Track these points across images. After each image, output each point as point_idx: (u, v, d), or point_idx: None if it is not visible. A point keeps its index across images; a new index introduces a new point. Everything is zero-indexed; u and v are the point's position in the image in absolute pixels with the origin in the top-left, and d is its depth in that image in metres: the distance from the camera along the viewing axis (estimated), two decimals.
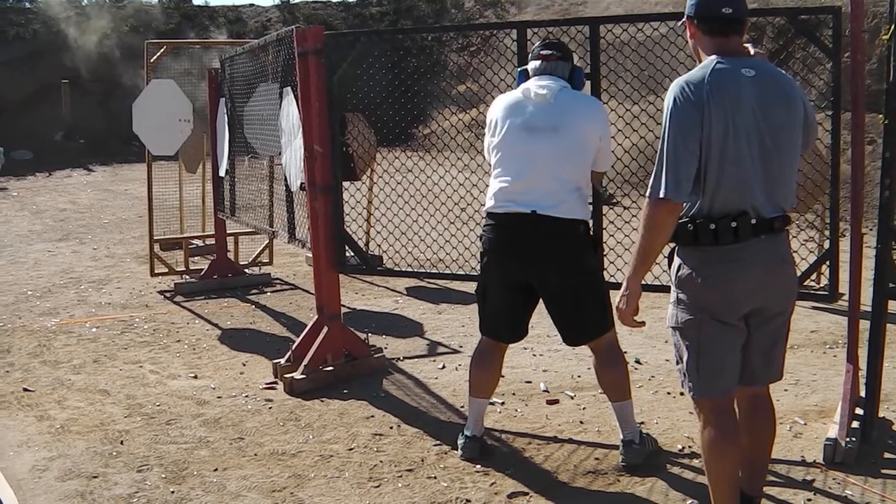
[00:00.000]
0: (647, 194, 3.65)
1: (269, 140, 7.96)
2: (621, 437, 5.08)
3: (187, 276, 10.41)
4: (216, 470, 5.17)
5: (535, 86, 4.98)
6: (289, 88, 7.09)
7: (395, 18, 31.15)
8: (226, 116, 9.42)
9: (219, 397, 6.42)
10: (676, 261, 3.83)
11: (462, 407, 5.99)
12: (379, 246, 9.53)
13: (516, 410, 5.97)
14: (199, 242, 11.97)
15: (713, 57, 3.70)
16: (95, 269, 11.60)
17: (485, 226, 5.08)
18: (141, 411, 6.19)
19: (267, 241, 10.74)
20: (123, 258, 12.11)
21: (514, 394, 6.27)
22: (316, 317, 6.79)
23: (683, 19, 3.88)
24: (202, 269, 10.46)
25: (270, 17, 32.61)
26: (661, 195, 3.59)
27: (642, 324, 3.92)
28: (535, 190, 4.88)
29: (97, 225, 15.81)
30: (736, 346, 3.81)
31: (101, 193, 20.65)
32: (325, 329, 6.64)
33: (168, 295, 9.94)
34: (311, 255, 9.21)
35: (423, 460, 5.20)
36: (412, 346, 7.59)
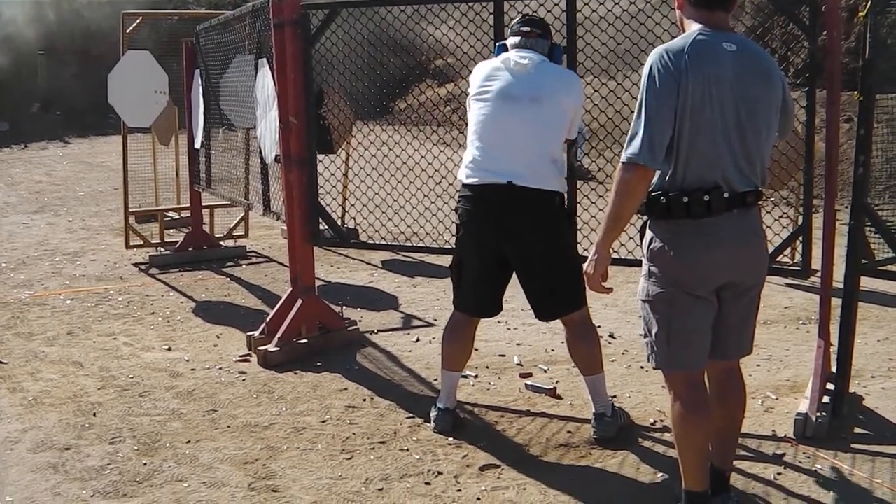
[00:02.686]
0: (621, 159, 3.64)
1: (244, 112, 7.92)
2: (593, 410, 5.10)
3: (162, 249, 10.39)
4: (189, 442, 5.16)
5: (515, 56, 4.97)
6: (264, 60, 7.06)
7: None
8: (200, 88, 9.37)
9: (192, 370, 6.40)
10: (648, 234, 3.83)
11: (435, 380, 5.99)
12: (353, 219, 9.50)
13: (489, 384, 5.98)
14: (174, 215, 11.91)
15: (696, 28, 3.70)
16: (70, 242, 11.55)
17: (460, 197, 5.05)
18: (114, 383, 6.18)
19: (242, 214, 10.71)
20: (99, 230, 12.06)
21: (487, 367, 6.28)
22: (290, 289, 6.78)
23: None
24: (177, 242, 10.44)
25: None
26: (635, 160, 3.58)
27: (610, 290, 3.92)
28: (512, 160, 4.86)
29: (73, 197, 15.73)
30: (707, 320, 3.81)
31: (77, 165, 20.54)
32: (299, 302, 6.63)
33: (143, 267, 9.91)
34: (286, 228, 9.19)
35: (395, 433, 5.21)
36: (386, 319, 7.59)
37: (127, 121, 10.38)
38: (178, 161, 11.47)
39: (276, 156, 6.80)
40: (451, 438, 5.10)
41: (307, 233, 6.70)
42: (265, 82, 6.99)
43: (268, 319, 6.78)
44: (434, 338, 6.88)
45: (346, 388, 5.95)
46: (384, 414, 5.51)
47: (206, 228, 10.56)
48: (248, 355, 6.63)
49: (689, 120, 3.58)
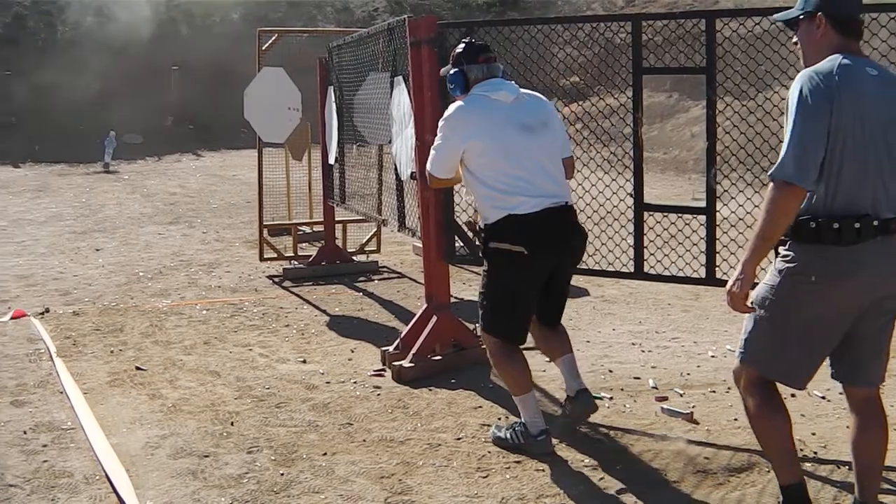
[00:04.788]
0: (771, 178, 3.61)
1: (378, 128, 8.00)
2: (577, 388, 5.34)
3: (295, 262, 10.56)
4: (325, 454, 5.20)
5: (495, 92, 5.16)
6: (400, 78, 7.11)
7: (502, 9, 31.12)
8: (334, 104, 9.50)
9: (327, 382, 6.48)
10: (788, 252, 3.80)
11: None
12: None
13: (625, 406, 5.92)
14: (306, 229, 12.13)
15: (836, 54, 3.69)
16: (205, 253, 11.82)
17: (513, 229, 5.01)
18: (251, 393, 6.28)
19: (375, 230, 10.82)
20: (232, 242, 12.31)
21: (622, 389, 6.22)
22: (425, 306, 6.81)
23: (799, 14, 3.87)
24: (310, 256, 10.60)
25: (378, 7, 32.85)
26: (787, 179, 3.56)
27: (753, 309, 3.88)
28: (553, 183, 5.09)
29: (206, 209, 16.10)
30: (822, 344, 3.85)
31: (209, 178, 21.03)
32: (434, 318, 6.66)
33: (276, 280, 10.09)
34: (419, 245, 9.22)
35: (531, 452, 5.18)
36: None
37: (262, 136, 10.56)
38: (310, 176, 11.66)
39: (412, 173, 6.84)
40: (586, 460, 5.04)
41: (442, 250, 6.73)
42: (401, 100, 7.05)
43: (402, 335, 6.82)
44: None
45: (480, 406, 5.95)
46: None
47: (339, 243, 10.71)
48: (383, 370, 6.69)
49: (840, 141, 3.58)
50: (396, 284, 9.82)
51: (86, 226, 14.59)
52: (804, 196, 3.63)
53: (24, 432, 5.61)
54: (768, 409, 3.96)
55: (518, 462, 5.04)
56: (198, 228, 13.95)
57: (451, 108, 5.24)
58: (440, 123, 5.29)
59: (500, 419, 5.71)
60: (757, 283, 3.91)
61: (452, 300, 7.67)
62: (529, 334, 5.33)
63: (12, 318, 8.48)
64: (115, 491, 4.72)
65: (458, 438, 5.42)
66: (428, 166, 5.38)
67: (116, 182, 21.08)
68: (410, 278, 10.00)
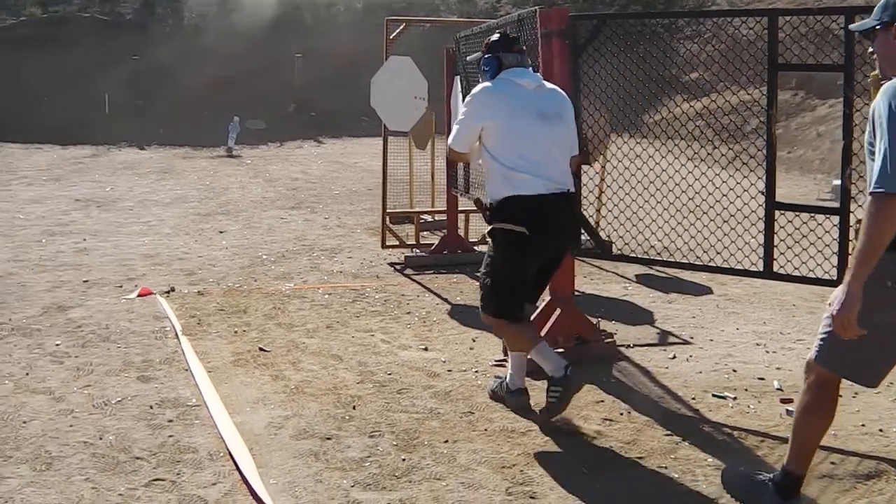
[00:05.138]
0: (872, 190, 3.59)
1: None
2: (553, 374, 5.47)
3: (417, 250, 10.62)
4: (446, 442, 5.23)
5: (520, 78, 5.54)
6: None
7: (625, 2, 30.84)
8: (460, 94, 9.51)
9: (449, 370, 6.51)
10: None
11: (693, 399, 5.92)
12: (604, 231, 9.46)
13: (749, 407, 5.83)
14: (428, 217, 12.19)
15: None
16: (327, 238, 11.97)
17: (517, 209, 5.36)
18: (373, 378, 6.34)
19: None
20: (354, 229, 12.43)
21: (746, 390, 6.12)
22: (548, 298, 6.80)
23: (875, 24, 3.88)
24: (432, 244, 10.66)
25: None
26: (886, 189, 3.53)
27: (864, 333, 3.77)
28: (558, 170, 5.48)
29: (328, 195, 16.28)
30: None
31: (331, 165, 21.25)
32: (557, 311, 6.63)
33: (398, 267, 10.18)
34: None
35: (653, 449, 5.13)
36: (641, 334, 7.49)
37: (388, 125, 10.63)
38: (433, 165, 11.71)
39: None
40: (710, 459, 4.98)
41: None
42: None
43: None
44: (691, 356, 6.80)
45: (602, 401, 5.92)
46: (641, 429, 5.44)
47: (461, 233, 10.75)
48: (504, 360, 6.65)
49: None
50: None
51: (209, 208, 14.88)
52: None
53: (151, 407, 5.77)
54: (819, 409, 4.18)
55: (640, 458, 5.01)
56: (320, 214, 14.12)
57: (478, 87, 5.62)
58: (466, 100, 5.74)
59: (621, 414, 5.68)
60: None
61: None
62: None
63: (139, 296, 8.70)
64: (238, 468, 4.82)
65: (580, 432, 5.41)
66: (449, 140, 5.72)
67: (239, 166, 21.44)
68: None
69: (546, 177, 5.37)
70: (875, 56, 3.94)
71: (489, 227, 5.59)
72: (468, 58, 6.03)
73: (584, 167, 7.24)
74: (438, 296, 8.85)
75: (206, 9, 31.35)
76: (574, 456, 5.06)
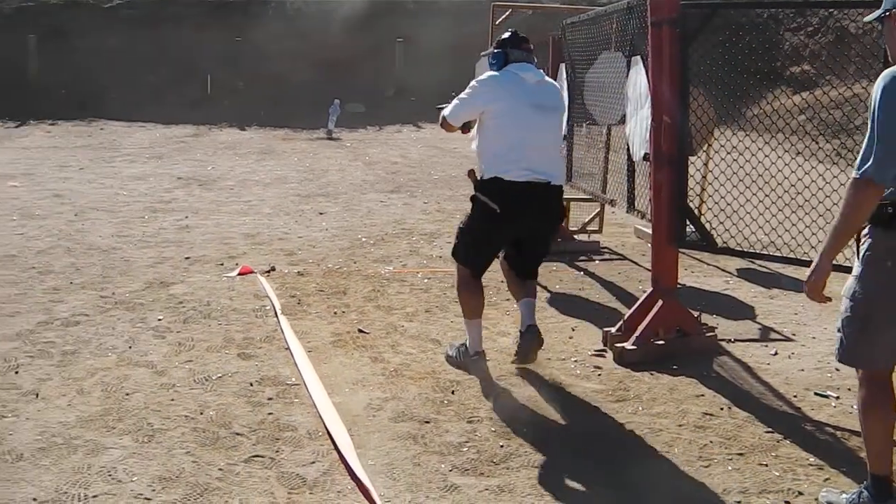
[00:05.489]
0: (853, 175, 3.78)
1: (608, 108, 7.93)
2: (528, 323, 6.17)
3: None
4: (545, 430, 5.22)
5: (524, 72, 6.09)
6: (638, 57, 7.03)
7: None
8: (565, 82, 9.46)
9: (548, 359, 6.46)
10: (868, 241, 3.99)
11: (795, 396, 5.82)
12: (709, 223, 9.32)
13: (852, 407, 5.67)
14: None
15: None
16: (426, 223, 11.98)
17: (496, 189, 5.93)
18: None
19: (598, 210, 10.71)
20: (453, 214, 12.40)
21: (849, 389, 5.97)
22: (651, 289, 6.73)
23: (883, 12, 3.93)
24: None
25: None
26: (866, 176, 3.73)
27: (829, 299, 4.08)
28: (547, 162, 5.99)
29: (427, 180, 16.30)
30: None
31: (430, 150, 21.28)
32: (659, 303, 6.56)
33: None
34: (641, 227, 9.12)
35: (754, 446, 5.06)
36: (743, 329, 7.36)
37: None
38: None
39: (645, 154, 6.77)
40: (812, 458, 4.90)
41: (673, 234, 6.63)
42: (638, 80, 6.97)
43: (626, 317, 6.73)
44: (793, 353, 6.68)
45: (702, 395, 5.85)
46: (742, 425, 5.36)
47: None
48: (604, 351, 6.64)
49: None
50: (618, 266, 9.71)
51: (309, 189, 14.99)
52: (881, 192, 3.79)
53: (251, 384, 5.85)
54: (875, 401, 4.12)
55: (740, 455, 4.95)
56: (419, 198, 14.14)
57: (485, 74, 6.18)
58: (472, 83, 6.20)
59: (721, 409, 5.62)
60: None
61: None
62: (504, 275, 6.59)
63: (239, 274, 8.82)
64: (336, 448, 4.86)
65: (680, 425, 5.35)
66: (445, 111, 6.29)
67: (339, 149, 21.58)
68: (632, 261, 9.87)
69: (529, 166, 5.88)
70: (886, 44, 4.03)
71: (472, 195, 6.14)
72: (481, 53, 6.57)
73: (691, 159, 7.12)
74: (538, 284, 8.79)
75: None
76: (672, 449, 5.01)
